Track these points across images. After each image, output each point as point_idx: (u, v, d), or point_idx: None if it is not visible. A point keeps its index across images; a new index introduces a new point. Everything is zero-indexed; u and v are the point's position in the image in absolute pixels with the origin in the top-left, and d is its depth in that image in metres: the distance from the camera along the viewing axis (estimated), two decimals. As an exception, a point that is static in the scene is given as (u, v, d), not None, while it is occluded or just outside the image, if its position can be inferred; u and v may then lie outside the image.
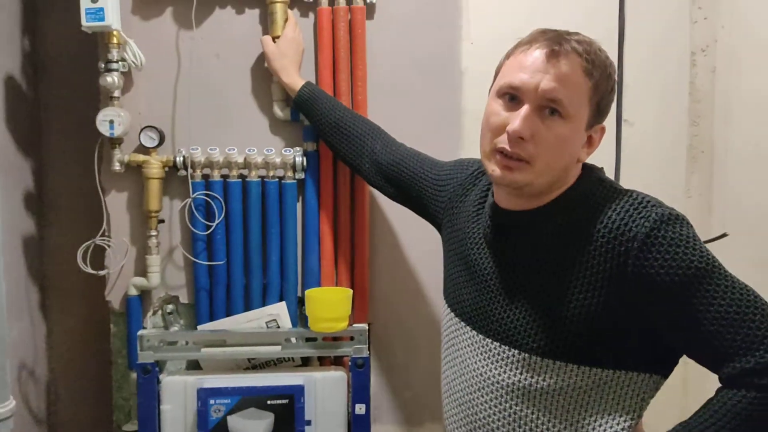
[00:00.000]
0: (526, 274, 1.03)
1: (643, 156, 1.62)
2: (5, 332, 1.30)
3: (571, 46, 0.96)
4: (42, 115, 1.74)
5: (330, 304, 1.52)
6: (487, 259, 1.09)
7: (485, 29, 1.60)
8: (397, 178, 1.38)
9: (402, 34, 1.60)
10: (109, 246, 1.57)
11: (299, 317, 1.61)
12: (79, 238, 1.56)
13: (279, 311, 1.58)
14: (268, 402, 1.49)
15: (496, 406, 1.04)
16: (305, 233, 1.60)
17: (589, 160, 1.07)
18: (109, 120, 1.49)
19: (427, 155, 1.40)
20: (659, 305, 0.94)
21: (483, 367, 1.06)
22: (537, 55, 0.97)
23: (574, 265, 0.98)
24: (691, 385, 1.65)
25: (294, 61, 1.52)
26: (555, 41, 0.97)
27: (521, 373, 1.01)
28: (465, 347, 1.11)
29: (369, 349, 1.59)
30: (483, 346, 1.07)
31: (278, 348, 1.54)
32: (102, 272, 1.57)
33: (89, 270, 1.53)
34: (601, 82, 0.98)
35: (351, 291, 1.56)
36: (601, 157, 1.13)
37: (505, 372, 1.03)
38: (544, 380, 1.00)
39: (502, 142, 0.98)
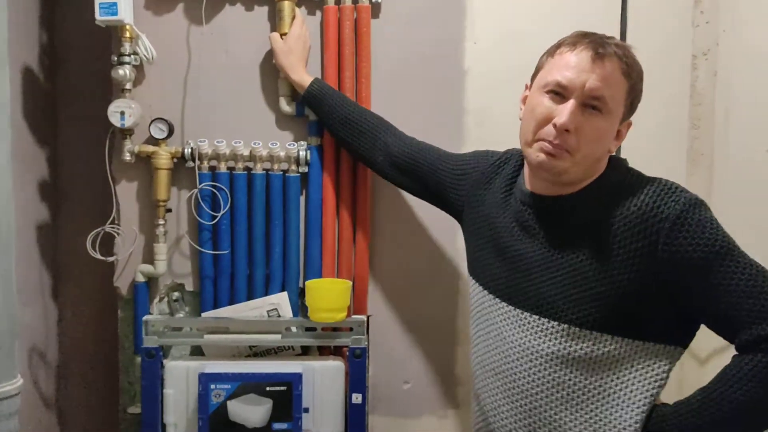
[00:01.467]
0: (563, 253, 1.12)
1: (643, 158, 1.62)
2: (14, 313, 1.35)
3: (613, 50, 1.07)
4: (57, 106, 1.79)
5: (329, 295, 1.56)
6: (521, 241, 1.18)
7: (488, 30, 1.63)
8: (414, 170, 1.45)
9: (406, 33, 1.63)
10: (118, 234, 1.62)
11: (300, 307, 1.65)
12: (91, 226, 1.61)
13: (280, 301, 1.62)
14: (267, 388, 1.53)
15: (535, 374, 1.13)
16: (308, 225, 1.64)
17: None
18: (120, 111, 1.53)
19: (441, 148, 1.47)
20: (686, 279, 1.04)
21: (522, 338, 1.15)
22: (583, 56, 1.07)
23: (609, 243, 1.07)
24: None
25: (301, 58, 1.56)
26: (599, 44, 1.07)
27: (560, 342, 1.11)
28: (500, 321, 1.19)
29: (367, 340, 1.63)
30: (521, 320, 1.16)
31: (278, 336, 1.58)
32: (110, 259, 1.62)
33: (98, 256, 1.58)
34: (636, 83, 1.10)
35: (350, 283, 1.60)
36: None
37: (544, 342, 1.12)
38: (581, 348, 1.09)
39: (547, 133, 1.09)
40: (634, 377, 1.09)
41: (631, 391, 1.09)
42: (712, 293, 1.03)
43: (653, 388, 1.09)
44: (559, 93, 1.08)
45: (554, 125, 1.07)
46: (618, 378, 1.09)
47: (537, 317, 1.13)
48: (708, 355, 1.60)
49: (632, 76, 1.09)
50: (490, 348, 1.21)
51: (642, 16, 1.62)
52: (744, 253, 1.04)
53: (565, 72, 1.08)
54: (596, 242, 1.09)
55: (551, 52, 1.13)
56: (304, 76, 1.54)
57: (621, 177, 1.13)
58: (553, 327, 1.12)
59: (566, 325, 1.10)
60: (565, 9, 1.62)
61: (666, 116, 1.64)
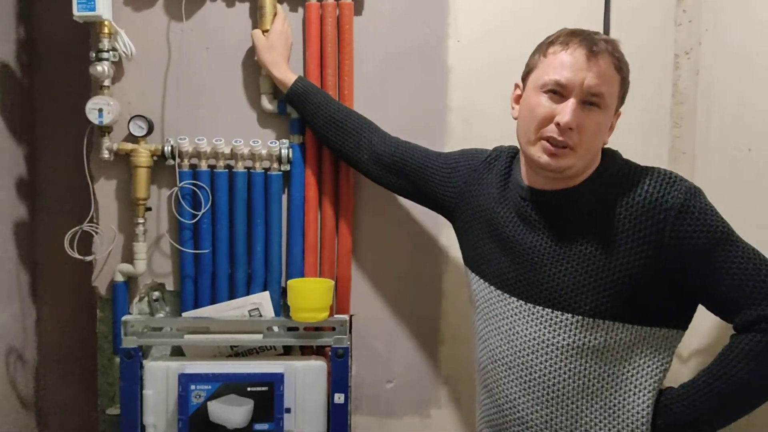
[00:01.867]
0: (570, 246, 1.16)
1: (626, 155, 1.63)
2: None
3: (604, 46, 1.12)
4: (36, 103, 1.77)
5: (311, 295, 1.55)
6: (525, 235, 1.21)
7: (472, 27, 1.62)
8: (400, 168, 1.45)
9: (389, 31, 1.62)
10: (96, 232, 1.60)
11: (282, 307, 1.63)
12: (69, 224, 1.59)
13: (262, 300, 1.60)
14: (249, 389, 1.52)
15: (551, 365, 1.16)
16: (290, 224, 1.62)
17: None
18: (99, 108, 1.51)
19: (427, 148, 1.48)
20: (691, 264, 1.10)
21: (536, 332, 1.18)
22: (578, 55, 1.11)
23: (616, 233, 1.12)
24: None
25: (283, 55, 1.54)
26: (591, 42, 1.12)
27: (575, 334, 1.14)
28: (511, 316, 1.22)
29: (350, 340, 1.62)
30: (533, 314, 1.18)
31: (260, 336, 1.57)
32: (89, 258, 1.59)
33: (76, 256, 1.56)
34: (626, 76, 1.16)
35: (332, 282, 1.59)
36: None
37: (559, 334, 1.15)
38: (595, 338, 1.13)
39: (550, 131, 1.12)
40: (644, 362, 1.14)
41: (642, 377, 1.14)
42: (715, 276, 1.09)
43: (660, 372, 1.15)
44: (557, 92, 1.12)
45: (557, 124, 1.11)
46: (630, 364, 1.14)
47: (550, 310, 1.16)
48: (690, 354, 1.60)
49: (623, 69, 1.14)
50: (502, 342, 1.23)
51: (625, 15, 1.62)
52: (741, 238, 1.11)
53: (562, 71, 1.11)
54: (602, 232, 1.13)
55: (543, 52, 1.16)
56: (287, 74, 1.53)
57: (619, 168, 1.18)
58: (567, 319, 1.15)
59: (580, 317, 1.14)
60: (548, 7, 1.62)
61: (648, 115, 1.64)
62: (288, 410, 1.54)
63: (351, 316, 1.66)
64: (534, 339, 1.18)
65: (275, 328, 1.59)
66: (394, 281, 1.68)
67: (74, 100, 1.65)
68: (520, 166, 1.25)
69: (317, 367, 1.57)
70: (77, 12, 1.46)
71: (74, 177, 1.63)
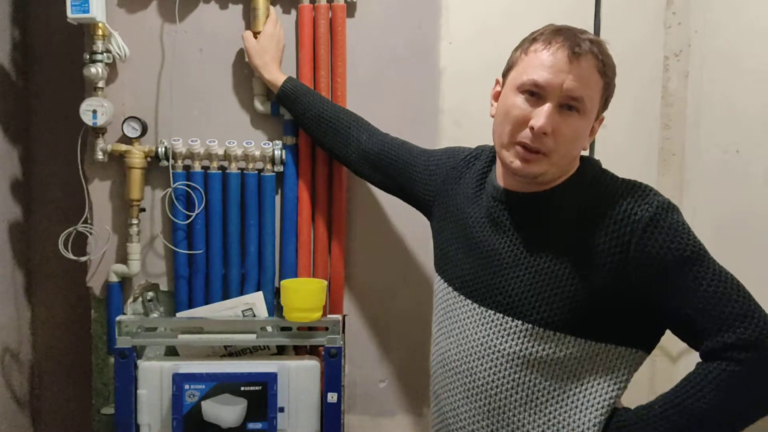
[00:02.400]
0: (534, 251, 1.10)
1: (616, 157, 1.64)
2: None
3: (588, 47, 1.04)
4: (31, 104, 1.78)
5: (305, 295, 1.56)
6: (491, 237, 1.16)
7: (464, 30, 1.63)
8: (386, 166, 1.43)
9: (382, 33, 1.63)
10: (90, 233, 1.61)
11: (275, 307, 1.65)
12: (64, 225, 1.60)
13: (255, 300, 1.62)
14: (242, 388, 1.53)
15: (495, 374, 1.11)
16: (283, 225, 1.63)
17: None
18: (93, 110, 1.52)
19: (414, 144, 1.45)
20: (655, 283, 1.02)
21: (484, 337, 1.13)
22: (559, 55, 1.04)
23: (581, 243, 1.06)
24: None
25: (275, 58, 1.55)
26: (574, 42, 1.04)
27: (522, 343, 1.08)
28: (464, 318, 1.17)
29: (343, 340, 1.63)
30: (484, 317, 1.13)
31: (254, 336, 1.58)
32: (83, 258, 1.60)
33: (70, 256, 1.57)
34: (611, 80, 1.09)
35: (326, 282, 1.60)
36: None
37: (506, 341, 1.10)
38: (543, 349, 1.07)
39: (524, 136, 1.06)
40: (595, 380, 1.08)
41: (591, 394, 1.07)
42: (679, 298, 1.02)
43: (613, 391, 1.07)
44: (534, 93, 1.06)
45: (531, 128, 1.05)
46: (579, 380, 1.08)
47: (501, 315, 1.11)
48: (680, 353, 1.62)
49: (607, 73, 1.07)
50: (452, 346, 1.18)
51: (615, 17, 1.64)
52: (714, 260, 1.03)
53: (541, 72, 1.05)
54: (568, 242, 1.07)
55: (525, 49, 1.10)
56: (277, 75, 1.54)
57: (594, 176, 1.12)
58: (516, 326, 1.09)
59: (530, 325, 1.08)
60: (539, 9, 1.63)
61: (638, 116, 1.66)
62: (281, 409, 1.55)
63: (344, 316, 1.67)
64: (482, 344, 1.13)
65: (269, 328, 1.60)
66: (387, 281, 1.69)
67: (68, 102, 1.66)
68: (497, 167, 1.20)
69: (310, 366, 1.58)
70: (71, 14, 1.47)
71: (68, 178, 1.65)
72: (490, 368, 1.11)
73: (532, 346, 1.08)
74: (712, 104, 1.59)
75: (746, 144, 1.48)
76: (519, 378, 1.09)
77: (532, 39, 1.10)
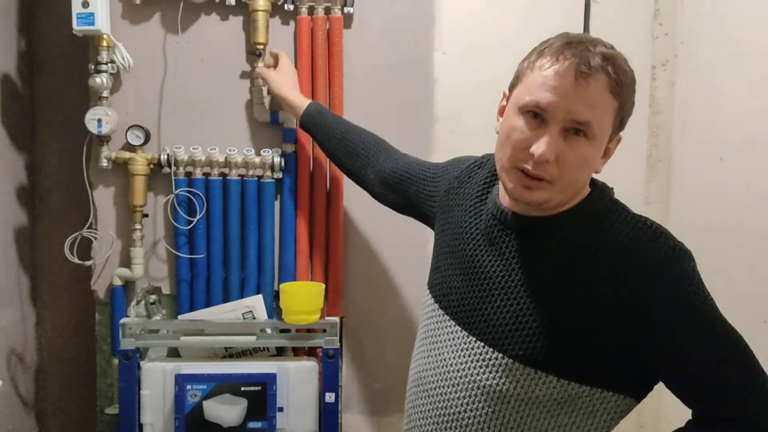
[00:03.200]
0: (526, 280, 1.01)
1: (605, 165, 1.70)
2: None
3: (599, 64, 0.92)
4: (36, 113, 1.82)
5: (303, 298, 1.61)
6: (485, 257, 1.07)
7: (457, 41, 1.68)
8: (398, 185, 1.36)
9: (378, 44, 1.68)
10: (95, 238, 1.65)
11: (275, 309, 1.69)
12: (68, 230, 1.65)
13: (255, 303, 1.66)
14: (242, 388, 1.57)
15: (469, 405, 1.04)
16: (282, 230, 1.68)
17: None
18: (98, 119, 1.57)
19: (429, 161, 1.38)
20: (650, 336, 0.94)
21: (463, 364, 1.05)
22: (565, 75, 0.92)
23: (577, 281, 0.97)
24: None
25: (295, 84, 1.60)
26: (583, 58, 0.92)
27: (501, 377, 1.00)
28: (445, 341, 1.09)
29: (340, 341, 1.68)
30: (466, 344, 1.05)
31: (254, 338, 1.63)
32: (88, 263, 1.65)
33: (76, 260, 1.62)
34: (627, 99, 0.97)
35: (323, 285, 1.65)
36: None
37: (484, 374, 1.02)
38: (522, 387, 0.99)
39: (525, 162, 0.96)
40: (574, 423, 1.00)
41: None
42: (677, 357, 0.94)
43: None
44: (538, 115, 0.95)
45: (532, 155, 0.94)
46: (556, 421, 1.00)
47: (482, 345, 1.03)
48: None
49: (622, 93, 0.95)
50: (429, 367, 1.11)
51: (603, 28, 1.68)
52: (722, 318, 0.94)
53: (545, 93, 0.94)
54: (564, 275, 0.98)
55: (531, 63, 0.98)
56: (302, 100, 1.55)
57: (603, 207, 1.02)
58: (497, 359, 1.01)
59: (510, 360, 0.99)
60: (529, 20, 1.68)
61: (626, 124, 1.71)
62: (281, 409, 1.60)
63: (341, 319, 1.72)
64: (459, 372, 1.05)
65: (268, 330, 1.64)
66: (383, 284, 1.74)
67: (73, 110, 1.70)
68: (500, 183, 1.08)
69: (309, 367, 1.63)
70: (77, 26, 1.51)
71: (74, 184, 1.69)
72: (465, 398, 1.04)
73: (510, 383, 1.00)
74: (696, 113, 1.64)
75: (728, 152, 1.53)
76: (494, 413, 1.02)
77: (540, 51, 0.98)
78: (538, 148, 0.93)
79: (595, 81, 0.92)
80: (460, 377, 1.05)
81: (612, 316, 0.94)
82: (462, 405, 1.04)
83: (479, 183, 1.16)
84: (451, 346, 1.07)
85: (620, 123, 0.99)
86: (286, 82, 1.58)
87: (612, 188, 1.06)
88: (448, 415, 1.06)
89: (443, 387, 1.07)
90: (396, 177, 1.37)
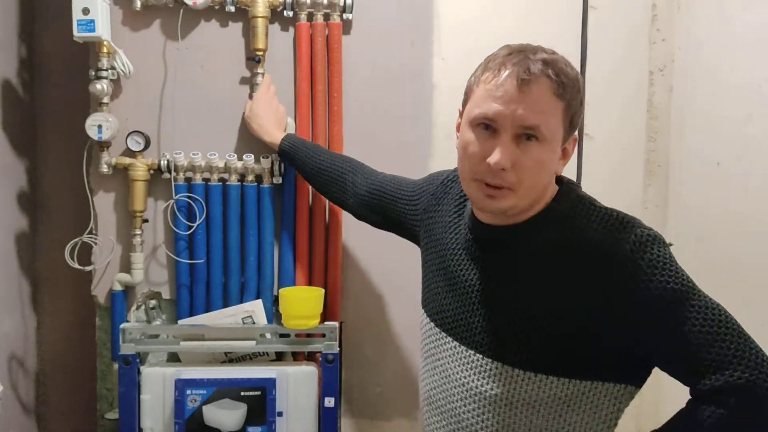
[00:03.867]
0: (508, 288, 1.05)
1: (603, 169, 1.71)
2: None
3: (540, 70, 0.96)
4: (37, 119, 1.83)
5: (302, 303, 1.61)
6: (468, 271, 1.10)
7: (455, 46, 1.69)
8: (378, 204, 1.40)
9: (377, 49, 1.69)
10: (95, 243, 1.66)
11: (274, 314, 1.70)
12: (69, 235, 1.65)
13: (255, 308, 1.67)
14: (242, 393, 1.58)
15: (479, 416, 1.06)
16: (281, 235, 1.69)
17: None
18: (98, 125, 1.58)
19: (405, 177, 1.41)
20: (638, 322, 0.96)
21: (466, 377, 1.08)
22: (508, 84, 0.96)
23: (556, 281, 1.00)
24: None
25: (269, 120, 1.60)
26: (523, 66, 0.96)
27: (504, 385, 1.03)
28: (446, 357, 1.12)
29: (340, 346, 1.68)
30: (465, 357, 1.09)
31: (253, 343, 1.63)
32: (88, 268, 1.66)
33: (76, 266, 1.62)
34: (572, 99, 0.99)
35: (323, 290, 1.65)
36: (564, 170, 1.17)
37: (488, 383, 1.05)
38: (525, 391, 1.02)
39: (484, 173, 0.99)
40: (582, 419, 1.03)
41: None
42: (664, 338, 0.96)
43: (602, 430, 1.04)
44: (489, 127, 0.99)
45: (489, 164, 0.98)
46: (566, 420, 1.03)
47: (481, 356, 1.06)
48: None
49: (566, 94, 0.98)
50: (436, 385, 1.14)
51: (601, 34, 1.70)
52: (702, 293, 0.97)
53: (491, 104, 0.97)
54: (543, 278, 1.01)
55: (477, 78, 1.02)
56: (274, 136, 1.58)
57: (570, 206, 1.04)
58: (496, 368, 1.04)
59: (510, 367, 1.03)
60: (527, 27, 1.70)
61: (625, 129, 1.72)
62: (280, 414, 1.60)
63: (341, 323, 1.72)
64: (464, 385, 1.08)
65: (268, 335, 1.65)
66: (382, 289, 1.74)
67: (74, 116, 1.71)
68: None
69: (308, 372, 1.63)
70: (78, 33, 1.52)
71: (74, 190, 1.69)
72: (474, 410, 1.07)
73: (514, 389, 1.03)
74: (694, 118, 1.65)
75: (726, 157, 1.54)
76: (504, 421, 1.05)
77: (484, 66, 1.02)
78: (493, 158, 0.97)
79: (538, 86, 0.96)
80: (466, 390, 1.08)
81: (595, 310, 0.97)
82: (473, 417, 1.07)
83: (455, 197, 1.20)
84: (452, 361, 1.11)
85: (570, 123, 1.02)
86: (257, 120, 1.59)
87: (578, 184, 1.10)
88: (462, 429, 1.09)
89: (452, 402, 1.10)
90: (374, 197, 1.41)
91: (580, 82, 1.02)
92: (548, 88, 0.97)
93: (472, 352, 1.08)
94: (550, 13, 1.70)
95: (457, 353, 1.10)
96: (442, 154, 1.69)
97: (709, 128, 1.60)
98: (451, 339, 1.12)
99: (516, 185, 0.99)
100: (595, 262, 0.98)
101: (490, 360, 1.05)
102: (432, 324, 1.17)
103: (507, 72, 0.97)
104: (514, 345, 1.03)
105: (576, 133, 1.06)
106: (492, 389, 1.05)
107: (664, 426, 1.00)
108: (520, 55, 0.98)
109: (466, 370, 1.08)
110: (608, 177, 1.71)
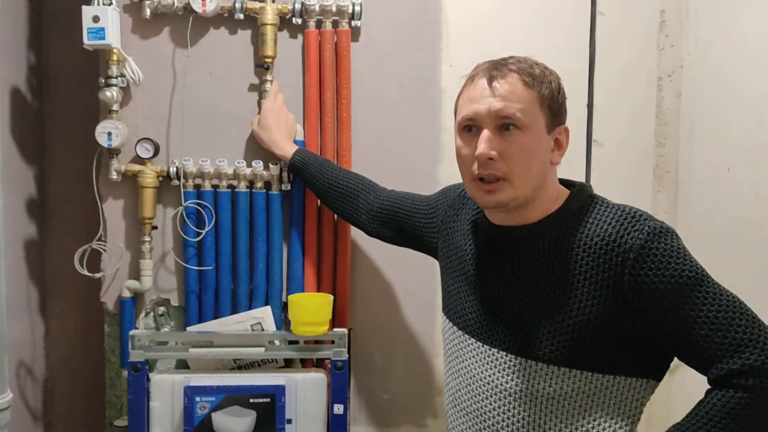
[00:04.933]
0: (527, 286, 1.10)
1: (611, 175, 1.71)
2: (4, 330, 1.39)
3: (508, 68, 1.07)
4: (45, 126, 1.84)
5: (311, 309, 1.61)
6: (487, 273, 1.16)
7: (463, 53, 1.70)
8: (393, 220, 1.46)
9: (385, 56, 1.69)
10: (104, 250, 1.66)
11: (283, 321, 1.69)
12: (78, 242, 1.65)
13: (264, 315, 1.67)
14: (251, 400, 1.57)
15: (504, 413, 1.10)
16: (290, 242, 1.69)
17: (563, 175, 1.17)
18: (108, 132, 1.58)
19: (417, 193, 1.48)
20: (654, 312, 1.00)
21: (490, 375, 1.12)
22: (480, 85, 1.07)
23: (573, 276, 1.05)
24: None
25: (279, 132, 1.60)
26: (493, 68, 1.08)
27: (528, 380, 1.08)
28: (470, 358, 1.17)
29: (348, 353, 1.68)
30: (489, 356, 1.13)
31: (262, 350, 1.63)
32: (97, 275, 1.66)
33: (85, 272, 1.62)
34: (543, 89, 1.07)
35: (332, 297, 1.65)
36: (573, 176, 1.22)
37: (512, 380, 1.09)
38: (549, 386, 1.06)
39: (477, 169, 1.07)
40: (606, 414, 1.06)
41: (603, 429, 1.06)
42: (681, 325, 0.99)
43: (626, 425, 1.07)
44: (472, 128, 1.08)
45: (476, 157, 1.06)
46: (590, 415, 1.06)
47: (504, 354, 1.11)
48: (675, 365, 1.66)
49: (535, 84, 1.06)
50: (461, 386, 1.19)
51: (610, 40, 1.70)
52: (714, 282, 1.01)
53: (469, 106, 1.08)
54: (560, 274, 1.06)
55: (461, 92, 1.14)
56: (285, 149, 1.59)
57: (582, 204, 1.10)
58: (520, 364, 1.09)
59: (533, 362, 1.07)
60: (536, 34, 1.70)
61: (633, 134, 1.72)
62: (289, 421, 1.60)
63: (349, 330, 1.72)
64: (489, 384, 1.12)
65: (276, 342, 1.65)
66: (391, 296, 1.74)
67: (83, 124, 1.72)
68: None
69: (317, 379, 1.63)
70: (88, 41, 1.53)
71: (83, 197, 1.70)
72: (499, 407, 1.11)
73: (539, 383, 1.07)
74: (703, 123, 1.65)
75: (736, 162, 1.54)
76: (529, 416, 1.08)
77: (466, 81, 1.13)
78: (478, 149, 1.05)
79: (505, 80, 1.05)
80: (491, 388, 1.12)
81: (613, 304, 1.02)
82: (498, 414, 1.11)
83: (472, 207, 1.26)
84: (476, 362, 1.15)
85: (550, 111, 1.08)
86: (267, 133, 1.60)
87: (590, 186, 1.16)
88: (487, 427, 1.13)
89: (477, 402, 1.14)
90: (389, 212, 1.47)
91: (552, 76, 1.10)
92: (518, 79, 1.06)
93: (496, 350, 1.12)
94: (558, 19, 1.70)
95: (481, 353, 1.15)
96: (451, 160, 1.66)
97: (718, 134, 1.60)
98: (474, 340, 1.16)
99: (509, 174, 1.06)
100: (610, 255, 1.02)
101: (513, 356, 1.09)
102: (455, 328, 1.22)
103: (479, 77, 1.08)
104: (536, 340, 1.07)
105: (566, 123, 1.13)
106: (516, 385, 1.09)
107: (685, 418, 1.01)
108: (492, 62, 1.10)
109: (490, 368, 1.12)
110: (617, 183, 1.71)
